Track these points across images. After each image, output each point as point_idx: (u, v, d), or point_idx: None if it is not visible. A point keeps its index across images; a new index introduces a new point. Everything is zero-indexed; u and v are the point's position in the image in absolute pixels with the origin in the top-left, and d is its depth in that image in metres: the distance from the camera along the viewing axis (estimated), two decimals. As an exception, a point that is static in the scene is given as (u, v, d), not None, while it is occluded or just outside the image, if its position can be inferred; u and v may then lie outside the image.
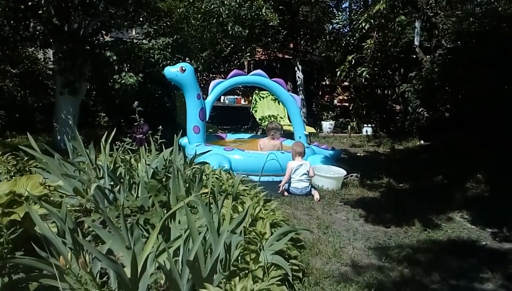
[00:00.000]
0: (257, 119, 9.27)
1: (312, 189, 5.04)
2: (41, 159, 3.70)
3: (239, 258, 2.56)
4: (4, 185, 2.79)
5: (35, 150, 3.77)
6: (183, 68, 5.80)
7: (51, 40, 6.21)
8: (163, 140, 4.22)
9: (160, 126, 4.23)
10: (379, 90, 11.31)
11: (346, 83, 11.29)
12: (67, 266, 1.80)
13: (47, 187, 2.66)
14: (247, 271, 2.44)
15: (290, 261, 2.70)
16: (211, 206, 2.77)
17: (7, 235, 2.22)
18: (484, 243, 3.75)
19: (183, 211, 2.31)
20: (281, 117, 9.31)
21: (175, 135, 4.21)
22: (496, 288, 2.92)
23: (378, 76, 10.51)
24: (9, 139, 7.22)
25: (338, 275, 2.95)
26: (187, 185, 2.95)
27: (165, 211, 2.57)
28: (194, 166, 4.05)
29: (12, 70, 8.15)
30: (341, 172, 5.46)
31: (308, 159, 5.90)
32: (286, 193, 5.00)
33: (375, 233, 3.90)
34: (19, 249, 2.40)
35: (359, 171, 5.99)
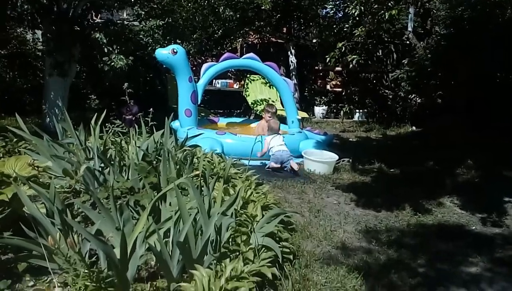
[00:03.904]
0: (250, 104, 9.21)
1: (291, 160, 5.28)
2: (30, 141, 3.65)
3: (230, 240, 2.55)
4: (-9, 165, 2.75)
5: (24, 131, 3.72)
6: (175, 50, 5.72)
7: (39, 20, 6.07)
8: (154, 123, 4.18)
9: (151, 109, 4.18)
10: (371, 76, 11.28)
11: (339, 69, 11.25)
12: (56, 246, 1.78)
13: (35, 167, 2.62)
14: (238, 253, 2.44)
15: (281, 243, 2.71)
16: (202, 188, 2.75)
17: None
18: (473, 227, 3.79)
19: (173, 193, 2.29)
20: (273, 101, 9.25)
21: (166, 118, 4.17)
22: (482, 272, 2.95)
23: (371, 62, 10.47)
24: (-2, 121, 7.11)
25: (329, 258, 2.96)
26: (178, 167, 2.92)
27: (155, 193, 2.55)
28: (186, 149, 4.03)
29: (0, 51, 7.99)
30: (333, 157, 5.47)
31: (300, 144, 5.91)
32: (273, 164, 5.24)
33: (366, 217, 3.92)
34: (8, 229, 2.37)
35: (351, 156, 6.00)
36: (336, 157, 5.47)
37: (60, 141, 3.35)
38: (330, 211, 3.99)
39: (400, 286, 2.70)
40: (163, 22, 5.98)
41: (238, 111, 10.77)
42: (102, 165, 3.36)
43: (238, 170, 3.95)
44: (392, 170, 5.73)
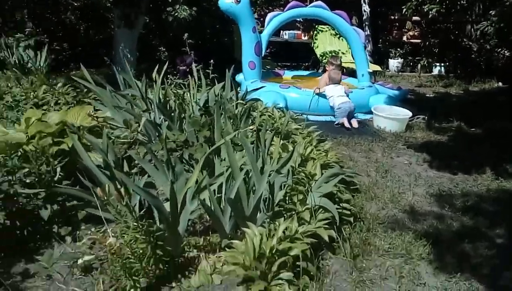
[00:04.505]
0: (318, 56, 8.78)
1: (353, 118, 5.10)
2: (95, 91, 3.71)
3: (287, 198, 2.42)
4: (55, 115, 2.81)
5: (90, 82, 3.79)
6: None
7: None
8: (215, 75, 4.07)
9: (212, 60, 4.06)
10: (453, 27, 10.19)
11: (417, 18, 10.28)
12: (105, 198, 1.75)
13: (95, 118, 2.63)
14: (293, 212, 2.31)
15: (341, 204, 2.53)
16: (259, 143, 2.60)
17: (54, 165, 2.22)
18: None
19: (229, 147, 2.17)
20: (343, 53, 8.73)
21: (227, 70, 4.03)
22: None
23: (455, 10, 9.40)
24: (74, 71, 7.44)
25: (394, 222, 2.74)
26: (232, 121, 2.79)
27: (210, 147, 2.46)
28: (246, 102, 3.89)
29: (73, 2, 8.23)
30: (406, 113, 5.04)
31: (370, 99, 5.54)
32: (343, 120, 5.02)
33: (440, 180, 3.59)
34: (69, 178, 2.42)
35: (426, 113, 5.52)
36: (409, 113, 5.04)
37: (121, 92, 3.36)
38: (399, 172, 3.70)
39: (473, 257, 2.43)
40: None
41: (306, 64, 10.36)
42: (162, 116, 3.34)
43: (299, 125, 3.75)
44: (473, 129, 5.20)
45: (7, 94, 4.47)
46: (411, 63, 10.16)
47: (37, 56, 6.82)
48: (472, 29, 10.06)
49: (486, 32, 7.92)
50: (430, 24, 10.26)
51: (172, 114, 3.29)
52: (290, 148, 3.06)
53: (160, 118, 3.34)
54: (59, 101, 4.17)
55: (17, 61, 6.14)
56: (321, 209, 2.34)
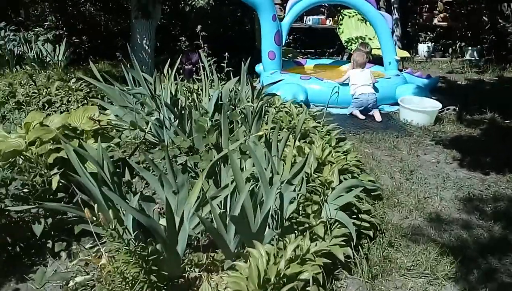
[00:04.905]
0: (343, 42, 8.42)
1: (375, 109, 4.79)
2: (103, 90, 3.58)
3: (300, 209, 2.23)
4: (57, 118, 2.69)
5: (98, 80, 3.68)
6: (257, -14, 5.23)
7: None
8: (230, 68, 3.87)
9: (226, 53, 3.86)
10: (486, 6, 9.56)
11: (449, -1, 9.73)
12: (95, 219, 1.61)
13: (97, 121, 2.49)
14: (306, 225, 2.11)
15: (360, 216, 2.31)
16: (271, 145, 2.40)
17: (49, 176, 2.10)
18: None
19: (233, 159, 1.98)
20: (369, 39, 8.31)
21: (242, 63, 3.83)
22: None
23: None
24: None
25: (418, 233, 2.50)
26: (242, 123, 2.59)
27: (218, 153, 2.28)
28: (263, 97, 3.68)
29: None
30: (436, 105, 4.71)
31: (397, 89, 5.22)
32: (355, 112, 4.82)
33: (470, 181, 3.31)
34: (67, 189, 2.28)
35: (457, 103, 5.17)
36: (439, 105, 4.71)
37: (129, 91, 3.21)
38: (426, 172, 3.43)
39: (504, 274, 2.18)
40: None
41: (331, 50, 10.00)
42: (172, 115, 3.18)
43: (319, 122, 3.52)
44: (507, 121, 4.83)
45: (20, 91, 4.42)
46: (442, 48, 9.64)
47: (56, 50, 6.79)
48: (509, 9, 9.44)
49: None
50: (462, 4, 9.69)
51: (183, 112, 3.13)
52: (307, 149, 2.86)
53: (169, 118, 3.19)
54: (70, 99, 4.08)
55: (35, 56, 6.11)
56: (337, 223, 2.14)
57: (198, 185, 1.92)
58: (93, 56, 7.71)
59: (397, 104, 4.90)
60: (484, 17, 9.30)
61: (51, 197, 2.07)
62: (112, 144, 2.49)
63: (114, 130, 3.04)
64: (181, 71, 3.18)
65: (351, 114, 4.87)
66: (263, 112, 3.57)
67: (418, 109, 4.60)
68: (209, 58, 3.84)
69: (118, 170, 2.15)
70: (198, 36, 3.79)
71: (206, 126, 2.25)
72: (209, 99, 3.50)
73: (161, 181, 2.03)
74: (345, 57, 8.94)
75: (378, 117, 4.70)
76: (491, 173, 3.48)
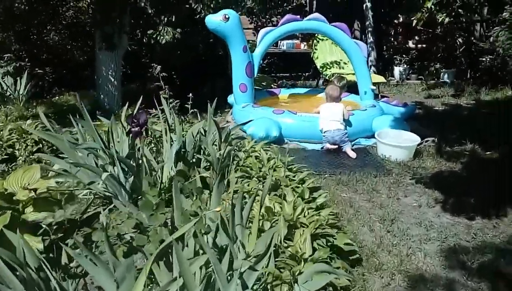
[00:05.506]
0: (318, 67, 8.27)
1: (347, 144, 4.58)
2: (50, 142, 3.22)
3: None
4: (-9, 183, 2.35)
5: (48, 129, 3.33)
6: (227, 16, 5.00)
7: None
8: (194, 110, 3.61)
9: (191, 94, 3.60)
10: (463, 26, 9.59)
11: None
12: None
13: (32, 190, 2.16)
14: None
15: (335, 293, 2.03)
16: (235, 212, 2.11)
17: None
18: None
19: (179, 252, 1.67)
20: (345, 63, 8.21)
21: (208, 105, 3.56)
22: None
23: (463, 13, 8.83)
24: (57, 97, 7.02)
25: (403, 306, 2.24)
26: (195, 197, 2.29)
27: (168, 232, 1.97)
28: (231, 141, 3.40)
29: (63, 21, 7.80)
30: (414, 139, 4.52)
31: (373, 122, 5.02)
32: (328, 146, 4.64)
33: (455, 229, 3.07)
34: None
35: (436, 134, 5.00)
36: (417, 139, 4.52)
37: (77, 147, 2.87)
38: (407, 220, 3.19)
39: None
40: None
41: (307, 74, 9.87)
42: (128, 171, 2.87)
43: (290, 169, 3.25)
44: (488, 153, 4.67)
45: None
46: (418, 70, 9.62)
47: (17, 83, 6.43)
48: (482, 29, 9.49)
49: (500, 36, 7.37)
50: (437, 25, 9.71)
51: (140, 168, 2.83)
52: (277, 208, 2.58)
53: (127, 171, 2.88)
54: (19, 147, 3.73)
55: (-6, 91, 5.75)
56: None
57: (141, 278, 1.61)
58: (59, 88, 7.35)
59: (374, 136, 4.70)
60: (459, 39, 9.33)
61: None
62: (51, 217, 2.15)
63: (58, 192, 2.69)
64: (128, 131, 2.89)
65: (323, 149, 4.68)
66: (231, 158, 3.31)
67: (396, 144, 4.40)
68: (171, 100, 3.57)
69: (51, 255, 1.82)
70: (170, 64, 3.55)
71: (154, 201, 1.95)
72: (172, 145, 3.22)
73: (103, 266, 1.71)
74: (320, 81, 8.81)
75: (352, 155, 4.48)
76: (477, 217, 3.26)
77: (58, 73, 7.34)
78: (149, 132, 2.72)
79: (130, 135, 2.25)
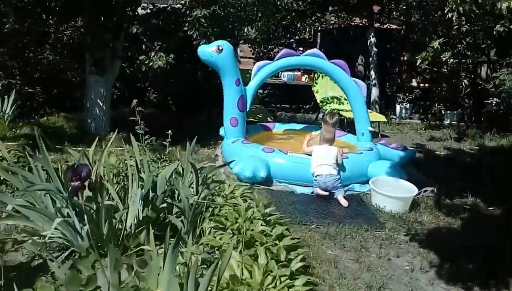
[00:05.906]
0: (318, 101, 8.04)
1: (339, 191, 4.26)
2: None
3: None
4: None
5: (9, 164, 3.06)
6: (220, 48, 4.78)
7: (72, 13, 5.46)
8: (171, 148, 3.33)
9: (170, 131, 3.33)
10: (469, 68, 9.38)
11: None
12: None
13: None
14: None
15: None
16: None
17: None
18: None
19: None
20: (345, 99, 7.93)
21: (187, 143, 3.29)
22: None
23: (468, 52, 8.64)
24: (46, 117, 6.78)
25: None
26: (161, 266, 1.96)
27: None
28: (208, 185, 3.11)
29: (61, 38, 7.64)
30: (411, 189, 4.19)
31: (369, 167, 4.72)
32: (319, 191, 4.31)
33: (450, 302, 2.74)
34: None
35: (435, 184, 4.68)
36: (415, 189, 4.20)
37: (29, 188, 2.56)
38: (397, 288, 2.85)
39: None
40: (208, 11, 4.93)
41: (307, 106, 9.64)
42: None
43: (269, 221, 2.94)
44: (490, 208, 4.35)
45: None
46: (421, 110, 9.36)
47: (4, 102, 6.23)
48: (489, 70, 9.27)
49: (505, 79, 7.14)
50: (442, 65, 9.52)
51: (99, 214, 2.53)
52: (246, 274, 2.25)
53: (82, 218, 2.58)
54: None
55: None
56: None
57: None
58: (49, 108, 7.11)
59: (369, 182, 4.38)
60: (464, 81, 9.11)
61: None
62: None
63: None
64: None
65: (314, 193, 4.36)
66: (205, 205, 3.02)
67: (392, 195, 4.08)
68: (146, 137, 3.31)
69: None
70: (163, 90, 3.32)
71: (85, 274, 1.64)
72: (141, 188, 2.93)
73: None
74: (320, 115, 8.56)
75: (343, 203, 4.15)
76: (475, 287, 2.93)
77: (49, 93, 7.12)
78: (102, 178, 2.41)
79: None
